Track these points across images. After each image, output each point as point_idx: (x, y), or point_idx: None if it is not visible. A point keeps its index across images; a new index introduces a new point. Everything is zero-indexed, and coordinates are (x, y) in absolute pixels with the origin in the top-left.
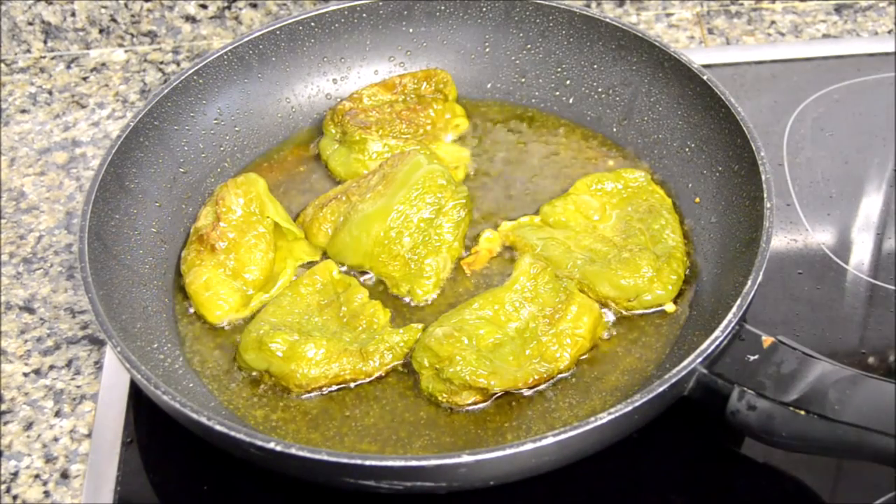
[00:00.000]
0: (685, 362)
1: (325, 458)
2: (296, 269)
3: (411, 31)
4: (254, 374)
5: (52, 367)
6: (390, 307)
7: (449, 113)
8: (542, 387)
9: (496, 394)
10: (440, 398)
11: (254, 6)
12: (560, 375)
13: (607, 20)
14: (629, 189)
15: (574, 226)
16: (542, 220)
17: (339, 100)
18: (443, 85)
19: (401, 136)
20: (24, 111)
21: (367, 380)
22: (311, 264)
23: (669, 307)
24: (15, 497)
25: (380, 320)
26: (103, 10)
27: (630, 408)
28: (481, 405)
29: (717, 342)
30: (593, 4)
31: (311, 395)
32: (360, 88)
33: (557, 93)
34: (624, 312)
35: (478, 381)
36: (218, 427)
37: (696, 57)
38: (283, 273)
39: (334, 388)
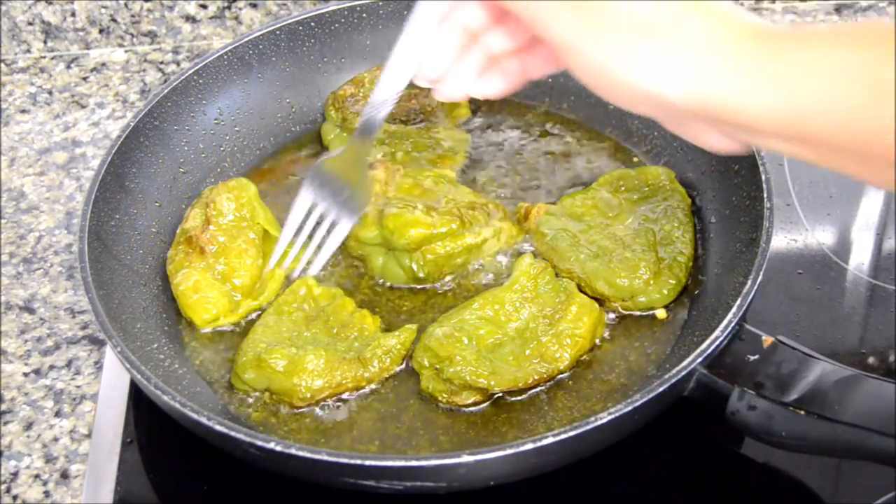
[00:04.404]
0: (685, 362)
1: (325, 458)
2: (283, 278)
3: None
4: (254, 394)
5: (52, 367)
6: (380, 314)
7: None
8: (542, 387)
9: (496, 394)
10: (440, 398)
11: (254, 6)
12: (560, 375)
13: None
14: (649, 187)
15: (589, 220)
16: (560, 211)
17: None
18: None
19: (401, 119)
20: (24, 111)
21: (369, 387)
22: None
23: (660, 313)
24: (15, 497)
25: (370, 327)
26: (103, 10)
27: (630, 408)
28: (481, 405)
29: (717, 342)
30: None
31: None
32: (363, 72)
33: (556, 92)
34: (621, 312)
35: (478, 381)
36: (218, 427)
37: None
38: (271, 282)
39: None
